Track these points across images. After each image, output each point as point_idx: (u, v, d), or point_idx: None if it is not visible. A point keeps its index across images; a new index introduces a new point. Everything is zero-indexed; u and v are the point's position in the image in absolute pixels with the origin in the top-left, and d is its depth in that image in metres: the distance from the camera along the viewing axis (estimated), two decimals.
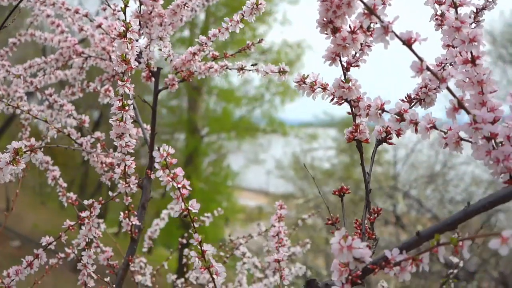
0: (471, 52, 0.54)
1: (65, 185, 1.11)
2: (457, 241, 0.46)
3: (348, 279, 0.54)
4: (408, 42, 0.51)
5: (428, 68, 0.51)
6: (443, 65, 0.69)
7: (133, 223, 0.98)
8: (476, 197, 7.11)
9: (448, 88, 0.52)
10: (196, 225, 0.71)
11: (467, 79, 0.55)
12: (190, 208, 0.64)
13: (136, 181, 0.92)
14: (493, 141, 0.53)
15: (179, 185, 0.63)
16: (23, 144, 0.66)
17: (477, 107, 0.54)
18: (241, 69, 0.98)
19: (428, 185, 6.70)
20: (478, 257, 6.12)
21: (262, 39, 1.02)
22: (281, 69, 0.85)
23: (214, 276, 0.65)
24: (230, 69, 0.99)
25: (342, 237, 0.51)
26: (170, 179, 0.62)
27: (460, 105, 0.52)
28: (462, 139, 0.55)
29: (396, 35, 0.51)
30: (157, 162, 0.62)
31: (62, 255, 1.13)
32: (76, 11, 1.10)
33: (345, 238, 0.51)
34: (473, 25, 0.73)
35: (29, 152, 0.67)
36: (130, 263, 1.00)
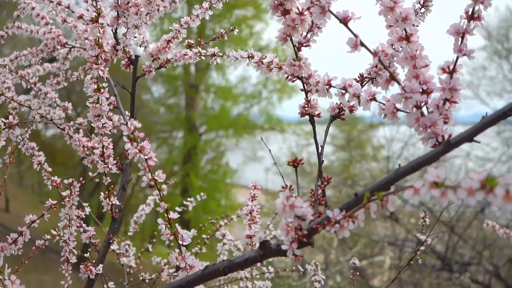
0: (405, 30, 0.60)
1: (50, 169, 1.16)
2: (382, 196, 0.51)
3: (295, 238, 0.60)
4: (344, 21, 0.56)
5: (362, 44, 0.56)
6: (393, 46, 0.74)
7: (113, 203, 1.03)
8: None
9: (380, 62, 0.57)
10: (163, 193, 0.77)
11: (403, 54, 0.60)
12: (156, 178, 0.69)
13: (115, 162, 0.97)
14: (425, 109, 0.59)
15: (146, 157, 0.68)
16: (2, 121, 0.72)
17: (411, 80, 0.59)
18: (213, 55, 1.03)
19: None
20: (472, 250, 6.19)
21: (234, 27, 1.07)
22: (250, 55, 0.91)
23: (180, 242, 0.71)
24: (203, 55, 1.05)
25: (285, 197, 0.57)
26: (138, 151, 0.68)
27: (392, 77, 0.58)
28: (398, 109, 0.60)
29: (333, 14, 0.56)
30: (125, 135, 0.67)
31: (48, 236, 1.19)
32: (59, 3, 1.15)
33: (288, 198, 0.56)
34: (423, 9, 0.78)
35: (7, 129, 0.72)
36: (111, 241, 1.05)
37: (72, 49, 1.28)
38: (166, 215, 0.71)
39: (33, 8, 1.26)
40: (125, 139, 0.68)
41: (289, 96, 12.35)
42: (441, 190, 0.43)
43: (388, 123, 9.64)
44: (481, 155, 7.68)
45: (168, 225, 0.71)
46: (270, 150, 0.96)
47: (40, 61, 1.26)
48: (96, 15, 0.79)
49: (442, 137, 0.56)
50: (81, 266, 1.01)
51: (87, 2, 1.11)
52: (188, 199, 1.46)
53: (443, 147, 0.53)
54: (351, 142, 10.54)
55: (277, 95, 12.45)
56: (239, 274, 1.24)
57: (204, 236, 1.40)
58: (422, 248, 1.14)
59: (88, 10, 1.14)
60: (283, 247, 0.61)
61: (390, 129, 8.83)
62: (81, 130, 1.11)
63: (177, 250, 0.71)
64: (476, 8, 0.58)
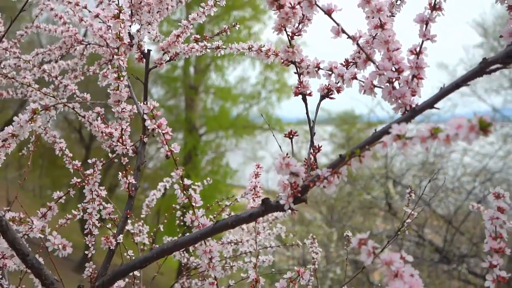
0: (380, 19, 0.72)
1: (70, 155, 1.28)
2: (360, 152, 0.63)
3: (291, 194, 0.72)
4: (328, 12, 0.69)
5: (343, 31, 0.68)
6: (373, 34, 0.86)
7: (130, 181, 1.15)
8: (466, 186, 7.32)
9: (358, 45, 0.69)
10: (181, 172, 0.89)
11: (378, 40, 0.72)
12: (172, 149, 0.81)
13: (132, 144, 1.09)
14: (397, 84, 0.71)
15: (164, 132, 0.80)
16: (39, 104, 0.84)
17: (384, 61, 0.72)
18: (217, 47, 1.16)
19: (420, 171, 6.89)
20: (469, 242, 6.31)
21: (236, 23, 1.20)
22: (250, 46, 1.03)
23: (193, 204, 0.83)
24: (208, 48, 1.17)
25: (282, 158, 0.69)
26: (157, 127, 0.80)
27: (368, 58, 0.70)
28: (374, 85, 0.73)
29: (319, 7, 0.68)
30: (145, 113, 0.79)
31: (69, 216, 1.31)
32: (77, 4, 1.28)
33: (284, 158, 0.69)
34: (398, 1, 0.90)
35: (44, 111, 0.84)
36: (128, 216, 1.17)
37: (88, 45, 1.40)
38: (181, 182, 0.83)
39: (52, 9, 1.38)
40: (145, 116, 0.80)
41: (288, 96, 12.47)
42: (402, 141, 0.55)
43: (385, 121, 9.76)
44: (477, 150, 7.79)
45: (184, 190, 0.83)
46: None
47: (59, 57, 1.39)
48: (118, 12, 0.92)
49: (410, 106, 0.68)
50: (102, 238, 1.13)
51: (102, 2, 1.24)
52: (196, 183, 1.58)
53: (410, 113, 0.66)
54: (350, 140, 10.66)
55: (276, 95, 12.57)
56: (244, 247, 1.36)
57: (211, 216, 1.51)
58: (408, 220, 1.26)
59: (103, 10, 1.27)
60: (281, 201, 0.73)
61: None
62: (99, 118, 1.23)
63: (191, 211, 0.83)
64: (437, 0, 0.70)
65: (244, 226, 1.58)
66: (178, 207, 1.71)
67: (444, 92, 0.65)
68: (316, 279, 1.60)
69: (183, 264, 1.54)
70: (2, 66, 1.44)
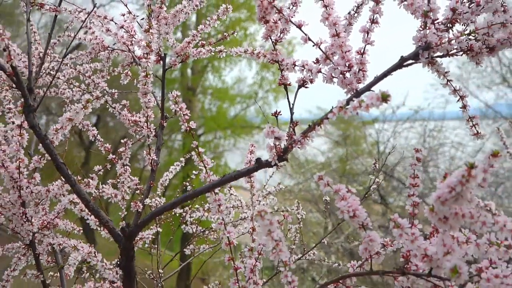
0: (335, 30, 1.02)
1: (102, 140, 1.59)
2: (321, 121, 0.93)
3: (275, 154, 1.02)
4: (299, 26, 0.99)
5: (309, 39, 0.99)
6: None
7: (153, 158, 1.46)
8: None
9: (320, 49, 1.00)
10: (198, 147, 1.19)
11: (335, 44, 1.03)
12: (190, 125, 1.12)
13: (155, 127, 1.40)
14: (348, 75, 1.02)
15: (184, 113, 1.11)
16: (91, 95, 1.14)
17: (339, 59, 1.02)
18: (220, 51, 1.46)
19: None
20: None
21: (234, 31, 1.51)
22: (246, 50, 1.34)
23: (206, 165, 1.13)
24: (213, 52, 1.48)
25: (269, 127, 0.99)
26: (179, 110, 1.10)
27: (327, 57, 1.01)
28: (333, 76, 1.03)
29: (292, 22, 0.99)
30: (170, 100, 1.10)
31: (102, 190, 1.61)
32: (105, 17, 1.58)
33: (270, 127, 0.99)
34: (356, 14, 1.21)
35: (96, 100, 1.15)
36: (151, 186, 1.48)
37: (112, 51, 1.70)
38: (197, 150, 1.14)
39: (82, 21, 1.68)
40: (170, 102, 1.11)
41: (285, 96, 12.67)
42: (344, 110, 0.86)
43: (379, 118, 10.12)
44: (464, 142, 8.12)
45: (198, 155, 1.14)
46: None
47: (90, 60, 1.69)
48: (148, 27, 1.22)
49: (356, 89, 0.99)
50: (132, 203, 1.44)
51: (124, 15, 1.55)
52: (194, 171, 1.89)
53: (354, 94, 0.96)
54: (347, 138, 10.99)
55: (273, 95, 12.86)
56: (243, 214, 1.67)
57: None
58: (374, 186, 1.56)
59: (125, 21, 1.57)
60: (269, 159, 1.03)
61: (381, 125, 9.32)
62: (125, 109, 1.53)
63: (204, 171, 1.14)
64: (375, 16, 1.01)
65: (242, 200, 1.89)
66: (188, 184, 2.02)
67: (376, 80, 0.95)
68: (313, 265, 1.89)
69: (194, 234, 1.84)
70: (43, 69, 1.73)
